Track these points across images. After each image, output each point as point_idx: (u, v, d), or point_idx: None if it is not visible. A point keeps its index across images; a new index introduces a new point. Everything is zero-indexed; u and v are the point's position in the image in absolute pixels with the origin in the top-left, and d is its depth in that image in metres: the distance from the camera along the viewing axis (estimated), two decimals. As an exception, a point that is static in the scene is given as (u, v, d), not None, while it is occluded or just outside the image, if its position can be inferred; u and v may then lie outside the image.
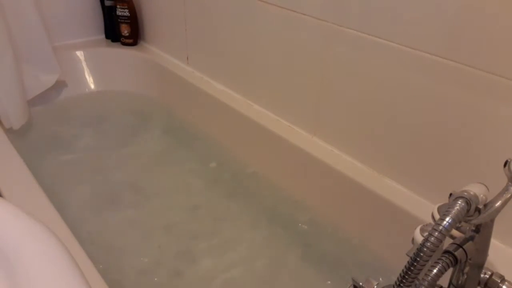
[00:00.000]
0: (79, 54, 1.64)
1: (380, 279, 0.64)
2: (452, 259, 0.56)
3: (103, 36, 1.74)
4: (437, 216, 0.58)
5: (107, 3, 1.65)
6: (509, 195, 0.53)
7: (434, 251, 0.48)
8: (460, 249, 0.57)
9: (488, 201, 0.53)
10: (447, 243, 0.57)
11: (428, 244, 0.48)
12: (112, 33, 1.70)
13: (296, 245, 1.07)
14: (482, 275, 0.61)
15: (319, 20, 1.00)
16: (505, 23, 0.71)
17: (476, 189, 0.52)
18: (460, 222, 0.50)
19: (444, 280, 0.60)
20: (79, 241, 0.81)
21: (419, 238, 0.59)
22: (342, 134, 1.06)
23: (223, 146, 1.38)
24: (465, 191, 0.52)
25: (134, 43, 1.70)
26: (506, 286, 0.60)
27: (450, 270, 0.59)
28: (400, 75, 0.89)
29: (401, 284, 0.50)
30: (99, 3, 1.67)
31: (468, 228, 0.58)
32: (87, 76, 1.65)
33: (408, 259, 0.50)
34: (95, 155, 1.39)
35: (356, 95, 0.99)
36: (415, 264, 0.49)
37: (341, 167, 1.04)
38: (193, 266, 1.03)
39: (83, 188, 1.24)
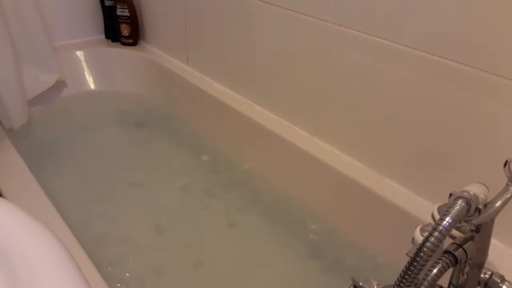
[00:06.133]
0: (79, 54, 1.63)
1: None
2: (452, 259, 0.56)
3: (103, 36, 1.74)
4: (437, 216, 0.58)
5: (107, 3, 1.65)
6: (509, 195, 0.53)
7: (434, 251, 0.48)
8: (460, 249, 0.57)
9: (488, 201, 0.53)
10: (447, 243, 0.57)
11: (428, 244, 0.48)
12: (112, 33, 1.70)
13: (294, 244, 1.07)
14: (482, 275, 0.61)
15: (319, 20, 1.00)
16: (505, 23, 0.71)
17: (476, 189, 0.52)
18: (460, 222, 0.50)
19: (444, 280, 0.61)
20: (79, 241, 0.82)
21: (419, 238, 0.59)
22: (342, 134, 1.06)
23: (222, 146, 1.38)
24: (465, 191, 0.52)
25: (134, 43, 1.70)
26: (506, 286, 0.60)
27: (450, 270, 0.59)
28: (400, 75, 0.89)
29: (401, 284, 0.50)
30: (99, 3, 1.67)
31: (468, 228, 0.58)
32: (87, 76, 1.65)
33: (408, 259, 0.50)
34: (95, 155, 1.39)
35: (356, 95, 0.99)
36: (415, 264, 0.49)
37: (341, 167, 1.04)
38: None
39: (83, 187, 1.24)
